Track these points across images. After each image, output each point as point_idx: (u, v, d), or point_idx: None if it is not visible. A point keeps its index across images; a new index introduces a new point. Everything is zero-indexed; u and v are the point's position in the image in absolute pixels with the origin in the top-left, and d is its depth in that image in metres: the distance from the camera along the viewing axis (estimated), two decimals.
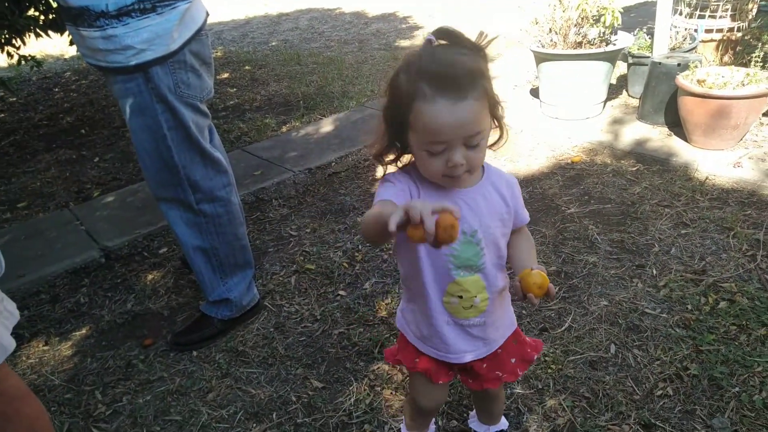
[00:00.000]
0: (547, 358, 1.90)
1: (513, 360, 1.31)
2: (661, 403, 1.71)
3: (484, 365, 1.28)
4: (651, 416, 1.66)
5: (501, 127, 1.10)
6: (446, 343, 1.22)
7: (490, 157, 3.44)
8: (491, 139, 1.11)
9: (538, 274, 1.08)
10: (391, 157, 1.12)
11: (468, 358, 1.24)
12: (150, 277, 2.59)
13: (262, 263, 2.61)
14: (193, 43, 1.78)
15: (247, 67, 6.06)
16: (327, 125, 4.06)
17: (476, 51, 1.01)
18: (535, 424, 1.68)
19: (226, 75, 5.89)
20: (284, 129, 4.17)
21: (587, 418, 1.68)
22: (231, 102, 4.99)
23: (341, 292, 2.35)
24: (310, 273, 2.50)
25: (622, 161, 3.19)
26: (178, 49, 1.73)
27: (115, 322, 2.30)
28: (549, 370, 1.86)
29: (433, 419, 1.64)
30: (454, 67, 0.96)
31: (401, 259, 1.22)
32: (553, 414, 1.71)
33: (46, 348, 2.19)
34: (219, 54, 6.87)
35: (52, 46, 7.44)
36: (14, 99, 5.83)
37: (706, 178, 2.86)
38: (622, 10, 3.44)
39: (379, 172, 2.54)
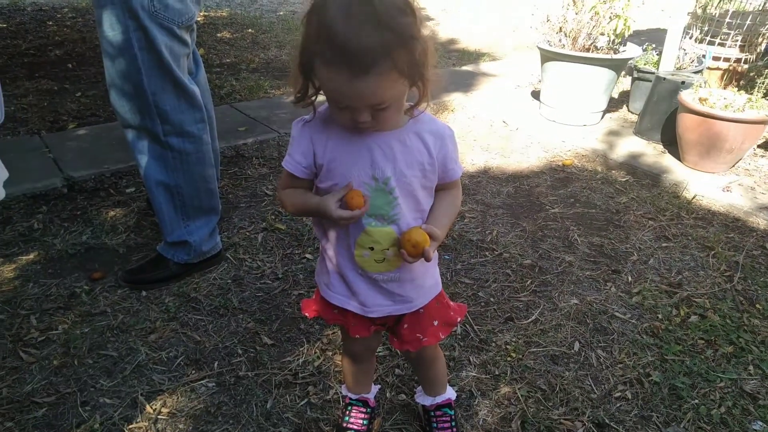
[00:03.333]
0: (508, 346, 1.83)
1: (435, 322, 1.25)
2: (618, 405, 1.64)
3: (405, 325, 1.23)
4: (606, 416, 1.60)
5: (424, 90, 0.98)
6: (357, 295, 1.16)
7: (481, 147, 3.38)
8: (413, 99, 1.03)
9: (417, 231, 1.04)
10: (311, 98, 1.02)
11: (381, 312, 1.18)
12: (111, 213, 2.47)
13: (231, 217, 2.51)
14: None
15: (250, 30, 5.92)
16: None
17: (399, 13, 0.88)
18: (486, 409, 1.60)
19: (227, 34, 5.74)
20: (277, 93, 4.06)
21: (540, 410, 1.61)
22: (227, 60, 4.86)
23: (308, 255, 2.26)
24: (279, 232, 2.40)
25: (613, 171, 3.14)
26: None
27: (66, 252, 2.18)
28: (509, 358, 1.79)
29: (378, 386, 1.55)
30: (354, 41, 0.84)
31: None
32: (506, 401, 1.63)
33: None
34: (224, 14, 6.71)
35: None
36: (4, 25, 5.62)
37: (694, 197, 2.82)
38: (635, 20, 3.39)
39: None
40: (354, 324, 1.21)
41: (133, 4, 1.63)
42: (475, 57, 5.40)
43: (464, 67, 4.97)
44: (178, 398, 1.57)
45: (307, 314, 1.30)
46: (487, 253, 2.34)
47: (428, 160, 1.07)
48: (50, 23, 5.83)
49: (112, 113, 3.49)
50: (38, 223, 2.35)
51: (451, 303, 1.29)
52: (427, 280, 1.21)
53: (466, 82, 4.43)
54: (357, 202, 1.00)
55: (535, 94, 4.13)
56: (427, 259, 1.04)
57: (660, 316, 2.00)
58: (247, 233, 2.39)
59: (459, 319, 1.28)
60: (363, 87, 0.87)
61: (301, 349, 1.78)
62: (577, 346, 1.86)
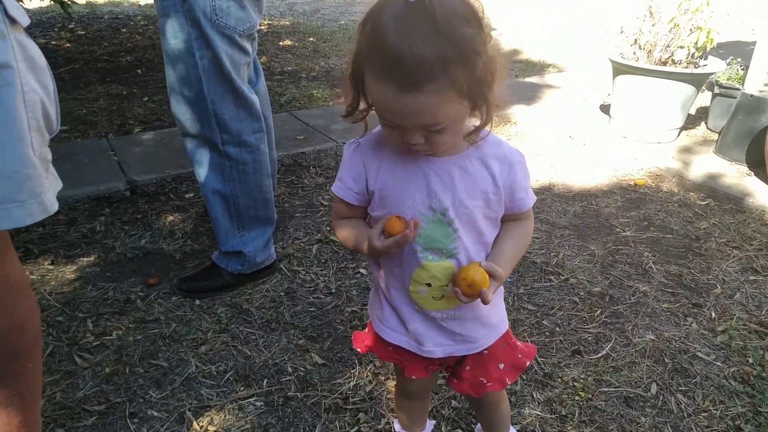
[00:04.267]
0: (576, 384, 1.68)
1: (501, 366, 1.12)
2: None
3: (467, 367, 1.11)
4: None
5: (487, 114, 0.87)
6: (414, 333, 1.06)
7: (545, 163, 3.20)
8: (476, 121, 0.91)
9: (475, 269, 0.92)
10: (362, 112, 0.93)
11: (440, 352, 1.07)
12: (170, 218, 2.48)
13: (287, 227, 2.47)
14: None
15: (311, 39, 5.97)
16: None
17: (463, 23, 0.77)
18: None
19: (289, 42, 5.81)
20: (337, 101, 4.03)
21: None
22: (289, 68, 4.89)
23: (362, 270, 2.18)
24: (334, 245, 2.33)
25: (691, 193, 2.90)
26: None
27: (125, 256, 2.19)
28: (576, 398, 1.64)
29: (433, 422, 1.45)
30: (407, 52, 0.74)
31: None
32: None
33: (50, 267, 2.10)
34: (287, 23, 6.82)
35: None
36: (83, 32, 5.90)
37: None
38: (718, 33, 3.15)
39: None
40: (410, 363, 1.11)
41: (195, 12, 1.61)
42: (540, 68, 5.22)
43: (528, 79, 4.80)
44: (225, 416, 1.52)
45: (358, 349, 1.21)
46: (552, 277, 2.19)
47: (493, 189, 0.95)
48: (124, 30, 6.09)
49: None
50: (100, 225, 2.38)
51: (519, 344, 1.17)
52: (492, 317, 1.09)
53: (529, 94, 4.27)
54: (395, 227, 0.90)
55: (605, 108, 3.92)
56: (485, 302, 0.90)
57: (750, 360, 1.79)
58: (302, 244, 2.34)
59: (527, 363, 1.15)
60: (414, 105, 0.78)
61: (352, 371, 1.70)
62: (654, 388, 1.69)
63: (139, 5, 7.43)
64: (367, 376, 1.67)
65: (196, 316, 1.89)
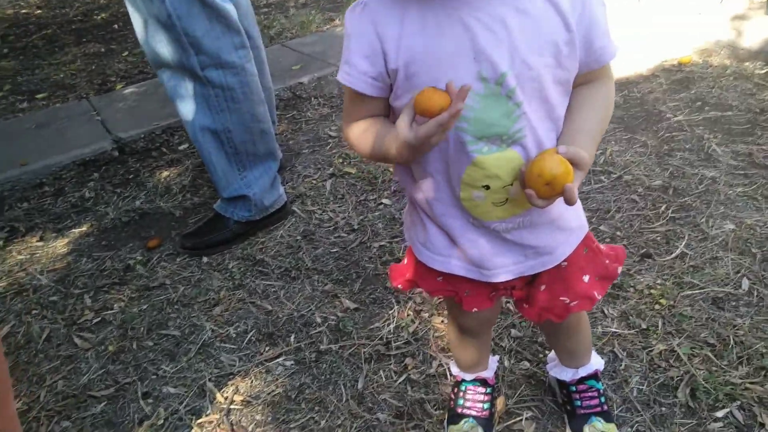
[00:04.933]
0: (652, 291, 1.43)
1: (586, 278, 0.87)
2: None
3: (543, 287, 0.85)
4: None
5: None
6: (471, 255, 0.81)
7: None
8: None
9: (552, 158, 0.66)
10: None
11: (506, 275, 0.82)
12: (165, 173, 2.23)
13: (294, 165, 2.20)
14: None
15: None
16: None
17: None
18: (638, 375, 1.23)
19: None
20: (331, 25, 3.65)
21: (713, 372, 1.21)
22: None
23: (385, 201, 1.91)
24: (350, 177, 2.07)
25: (746, 63, 2.53)
26: None
27: (119, 221, 1.97)
28: (656, 306, 1.39)
29: (496, 358, 1.22)
30: None
31: None
32: (664, 363, 1.25)
33: (39, 244, 1.88)
34: None
35: None
36: None
37: None
38: None
39: None
40: (468, 294, 0.86)
41: None
42: None
43: None
44: (252, 382, 1.31)
45: (399, 285, 0.94)
46: (602, 177, 1.90)
47: (565, 37, 0.67)
48: None
49: None
50: (90, 192, 2.15)
51: (603, 247, 0.90)
52: (570, 218, 0.82)
53: None
54: (434, 102, 0.62)
55: None
56: (570, 202, 0.66)
57: None
58: (314, 181, 2.08)
59: (619, 269, 0.89)
60: None
61: (390, 312, 1.47)
62: (745, 283, 1.43)
63: None
64: (408, 315, 1.44)
65: (206, 275, 1.66)
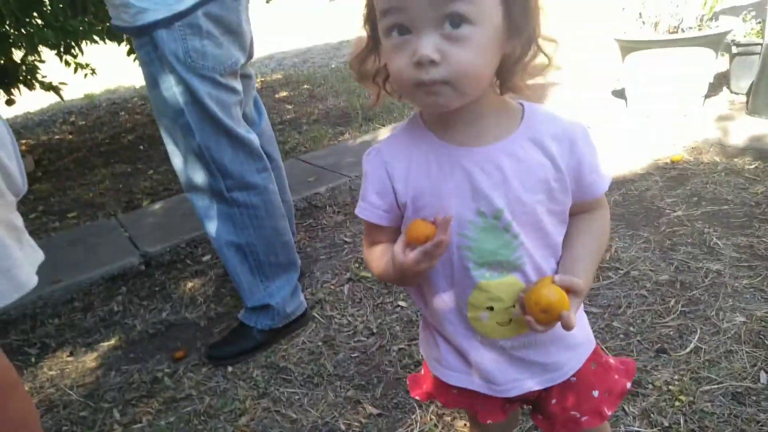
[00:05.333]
0: (671, 387, 1.45)
1: (595, 393, 0.89)
2: None
3: (553, 400, 0.89)
4: None
5: (533, 45, 0.71)
6: (482, 371, 0.85)
7: None
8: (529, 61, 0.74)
9: (548, 287, 0.72)
10: (373, 67, 0.77)
11: (517, 390, 0.85)
12: (190, 285, 2.33)
13: (313, 271, 2.30)
14: (210, 4, 1.52)
15: (305, 86, 5.95)
16: (386, 133, 3.77)
17: None
18: None
19: (284, 93, 5.78)
20: (341, 139, 3.92)
21: None
22: (288, 116, 4.83)
23: (401, 303, 1.98)
24: (366, 282, 2.15)
25: (736, 159, 2.68)
26: (186, 11, 1.48)
27: (146, 333, 2.04)
28: (677, 403, 1.40)
29: None
30: None
31: None
32: None
33: (70, 359, 1.94)
34: (279, 76, 6.84)
35: (125, 75, 7.70)
36: (83, 122, 5.97)
37: None
38: None
39: None
40: (482, 406, 0.90)
41: (168, 57, 1.50)
42: (540, 68, 5.08)
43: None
44: None
45: (417, 396, 0.99)
46: (610, 273, 1.97)
47: (555, 176, 0.76)
48: (122, 113, 6.14)
49: None
50: (118, 306, 2.24)
51: (613, 361, 0.94)
52: (576, 335, 0.86)
53: (538, 95, 4.11)
54: (420, 232, 0.70)
55: (617, 94, 3.74)
56: (568, 328, 0.71)
57: None
58: (332, 287, 2.16)
59: (628, 385, 0.92)
60: None
61: (413, 416, 1.49)
62: (764, 377, 1.45)
63: (135, 88, 7.54)
64: (431, 420, 1.46)
65: (231, 384, 1.70)
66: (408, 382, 1.04)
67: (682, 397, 1.41)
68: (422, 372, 0.99)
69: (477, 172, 0.75)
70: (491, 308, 0.80)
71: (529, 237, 0.77)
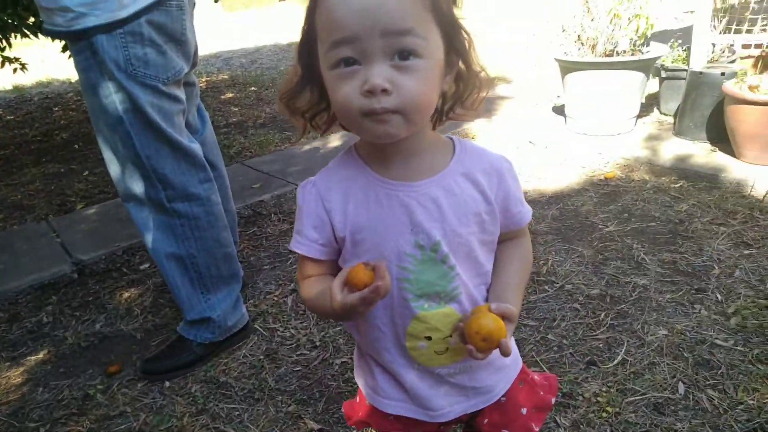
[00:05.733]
0: (600, 399, 1.53)
1: (524, 410, 0.94)
2: None
3: (485, 420, 0.93)
4: None
5: (468, 76, 0.76)
6: (418, 398, 0.87)
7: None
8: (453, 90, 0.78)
9: (486, 316, 0.74)
10: (304, 102, 0.77)
11: (453, 415, 0.89)
12: (126, 294, 2.25)
13: (256, 282, 2.27)
14: (154, 12, 1.48)
15: (252, 88, 5.86)
16: (335, 140, 3.77)
17: None
18: None
19: (230, 95, 5.68)
20: (288, 145, 3.89)
21: None
22: (234, 119, 4.74)
23: None
24: None
25: (663, 178, 2.85)
26: (129, 18, 1.43)
27: (78, 346, 1.95)
28: (604, 414, 1.48)
29: None
30: None
31: None
32: None
33: None
34: (225, 77, 6.70)
35: (60, 69, 7.32)
36: (11, 117, 5.63)
37: (766, 194, 2.52)
38: (657, 18, 3.18)
39: None
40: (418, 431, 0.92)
41: (107, 64, 1.45)
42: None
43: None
44: None
45: (353, 426, 0.99)
46: (546, 286, 2.06)
47: (485, 209, 0.80)
48: (56, 109, 5.84)
49: None
50: (47, 316, 2.13)
51: (536, 377, 0.98)
52: (506, 358, 0.88)
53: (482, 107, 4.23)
54: (360, 278, 0.71)
55: (558, 110, 3.91)
56: (506, 354, 0.74)
57: None
58: (275, 298, 2.14)
59: (552, 400, 0.98)
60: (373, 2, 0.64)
61: (354, 431, 1.50)
62: (681, 388, 1.55)
63: (70, 82, 7.18)
64: None
65: (168, 400, 1.66)
66: (344, 409, 1.05)
67: (609, 408, 1.49)
68: (357, 399, 1.00)
69: (415, 205, 0.76)
70: (429, 338, 0.82)
71: (464, 267, 0.80)
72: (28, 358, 1.91)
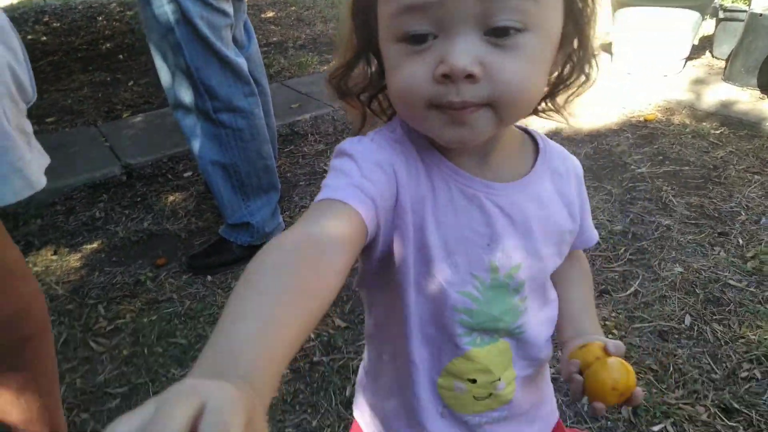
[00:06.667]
0: (608, 323, 1.63)
1: None
2: (747, 387, 1.42)
3: None
4: (733, 399, 1.38)
5: (582, 47, 0.55)
6: None
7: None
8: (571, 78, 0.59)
9: (617, 367, 0.59)
10: (360, 79, 0.58)
11: None
12: (171, 198, 2.41)
13: (292, 196, 2.39)
14: None
15: (293, 8, 5.79)
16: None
17: None
18: None
19: (271, 14, 5.64)
20: (327, 67, 3.91)
21: (653, 394, 1.40)
22: (274, 39, 4.75)
23: None
24: None
25: (704, 123, 2.81)
26: None
27: (129, 240, 2.13)
28: (609, 336, 1.58)
29: None
30: None
31: (372, 299, 0.68)
32: None
33: (54, 257, 2.03)
34: None
35: None
36: (58, 24, 5.73)
37: None
38: None
39: None
40: None
41: None
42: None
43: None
44: None
45: None
46: None
47: (570, 227, 0.64)
48: (100, 18, 5.91)
49: (165, 100, 3.47)
50: (100, 212, 2.31)
51: None
52: (543, 405, 0.74)
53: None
54: (627, 382, 0.58)
55: (605, 47, 3.79)
56: (637, 405, 0.63)
57: None
58: None
59: None
60: None
61: None
62: (688, 319, 1.63)
63: None
64: None
65: (210, 292, 1.83)
66: None
67: (615, 331, 1.59)
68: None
69: (498, 214, 0.57)
70: (474, 380, 0.63)
71: (533, 298, 0.64)
72: (85, 246, 2.10)
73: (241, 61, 1.77)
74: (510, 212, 0.58)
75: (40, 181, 0.92)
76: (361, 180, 0.51)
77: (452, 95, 0.47)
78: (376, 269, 0.60)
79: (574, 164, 0.66)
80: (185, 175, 2.60)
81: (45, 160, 0.98)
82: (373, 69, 0.57)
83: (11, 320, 0.93)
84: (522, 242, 0.59)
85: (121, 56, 4.50)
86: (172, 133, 2.87)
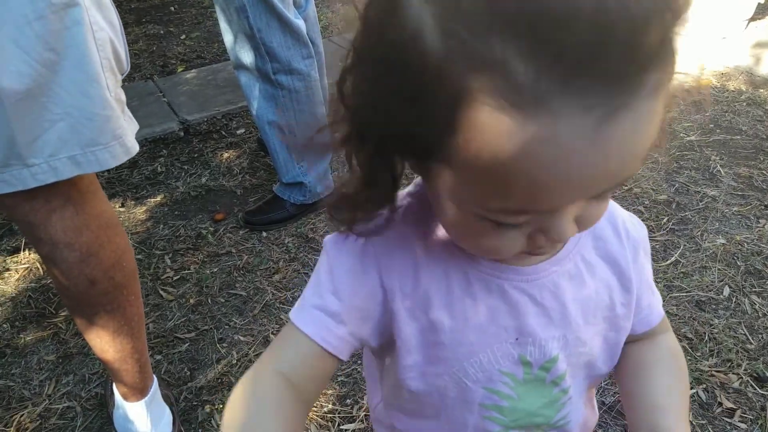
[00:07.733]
0: None
1: None
2: None
3: None
4: (767, 369, 1.43)
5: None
6: None
7: None
8: None
9: None
10: (367, 213, 0.49)
11: None
12: (226, 155, 2.53)
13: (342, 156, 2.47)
14: None
15: None
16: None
17: None
18: None
19: None
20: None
21: (688, 361, 1.46)
22: None
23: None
24: None
25: (761, 90, 2.72)
26: None
27: (189, 194, 2.27)
28: None
29: None
30: (621, 9, 0.30)
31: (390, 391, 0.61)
32: None
33: (122, 209, 2.19)
34: None
35: None
36: None
37: None
38: None
39: None
40: None
41: None
42: None
43: None
44: None
45: None
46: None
47: (623, 299, 0.55)
48: None
49: (216, 55, 3.56)
50: (161, 167, 2.45)
51: None
52: None
53: None
54: None
55: None
56: None
57: None
58: None
59: None
60: (617, 138, 0.34)
61: None
62: (726, 291, 1.67)
63: None
64: None
65: (265, 247, 1.96)
66: None
67: None
68: None
69: (526, 304, 0.50)
70: None
71: (577, 382, 0.56)
72: (149, 200, 2.25)
73: (301, 23, 1.82)
74: (542, 300, 0.50)
75: (135, 147, 1.02)
76: (333, 302, 0.51)
77: (536, 249, 0.43)
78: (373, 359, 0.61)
79: (627, 226, 0.55)
80: (238, 132, 2.71)
81: (135, 126, 1.08)
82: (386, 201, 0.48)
83: (112, 268, 1.07)
84: (559, 332, 0.52)
85: (172, 8, 4.57)
86: (225, 90, 2.97)
